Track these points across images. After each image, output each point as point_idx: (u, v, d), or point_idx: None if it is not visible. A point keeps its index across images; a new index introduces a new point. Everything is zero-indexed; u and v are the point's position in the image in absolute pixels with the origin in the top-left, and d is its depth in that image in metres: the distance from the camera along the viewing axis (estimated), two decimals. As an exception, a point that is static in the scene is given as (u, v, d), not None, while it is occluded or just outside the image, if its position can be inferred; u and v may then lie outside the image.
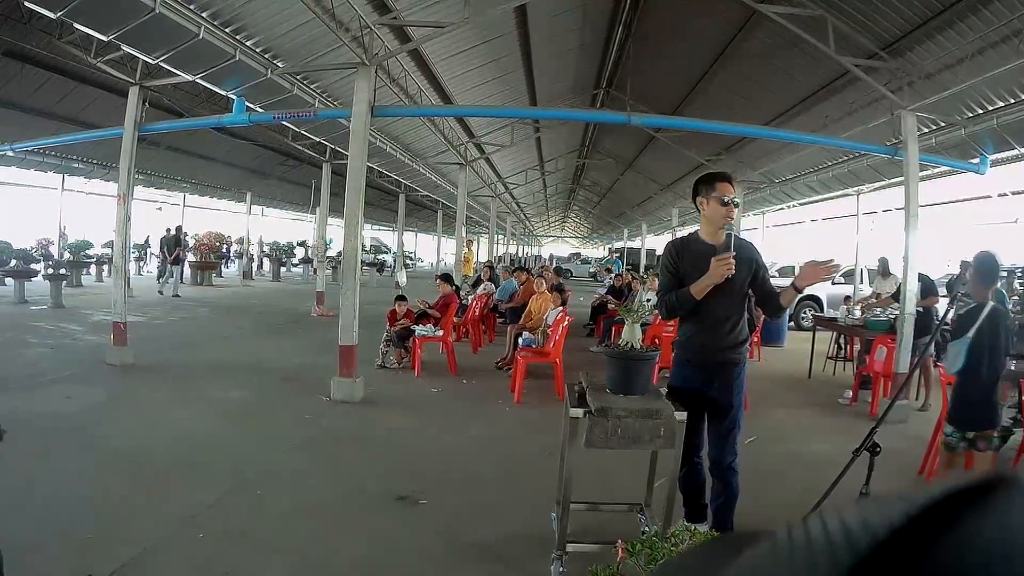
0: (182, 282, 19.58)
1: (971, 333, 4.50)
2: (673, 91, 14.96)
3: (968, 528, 0.24)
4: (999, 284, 10.87)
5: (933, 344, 8.80)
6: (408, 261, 38.09)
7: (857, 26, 8.95)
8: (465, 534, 4.16)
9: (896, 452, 5.90)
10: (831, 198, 17.89)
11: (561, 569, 3.55)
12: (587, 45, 14.09)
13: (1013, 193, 14.31)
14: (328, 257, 19.17)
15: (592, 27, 13.09)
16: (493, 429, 6.72)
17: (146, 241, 25.26)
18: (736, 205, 3.89)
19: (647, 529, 3.89)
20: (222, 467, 5.15)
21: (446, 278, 10.83)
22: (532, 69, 14.23)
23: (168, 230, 19.32)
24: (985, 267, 4.71)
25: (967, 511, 0.25)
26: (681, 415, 3.47)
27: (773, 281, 4.02)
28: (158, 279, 20.08)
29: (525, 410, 7.47)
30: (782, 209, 21.56)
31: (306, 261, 28.65)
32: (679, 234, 24.83)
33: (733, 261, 3.71)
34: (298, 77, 10.42)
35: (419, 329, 9.43)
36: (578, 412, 3.45)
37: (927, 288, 9.05)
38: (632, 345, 3.75)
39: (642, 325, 8.41)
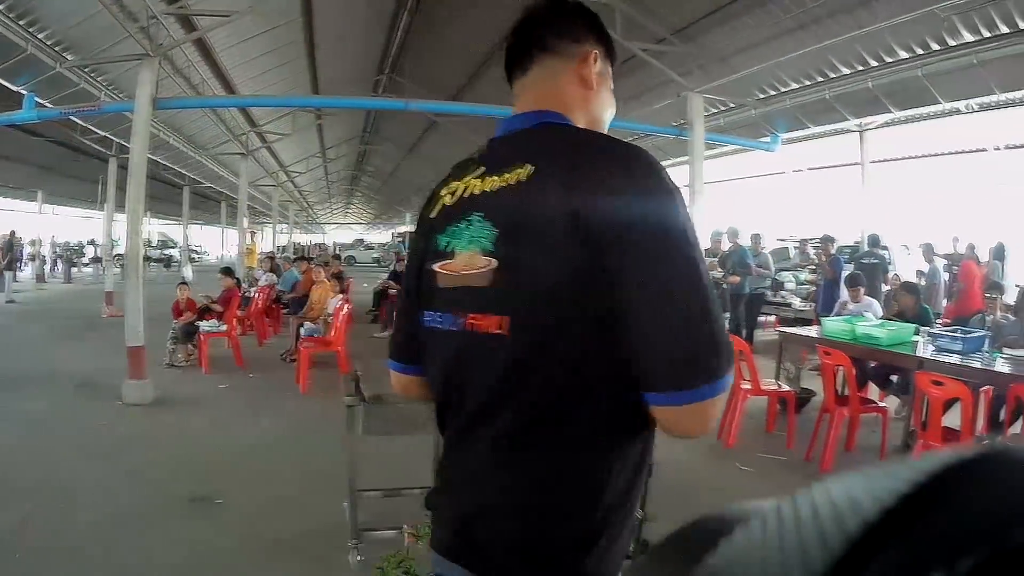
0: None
1: None
2: (454, 76, 14.70)
3: (962, 499, 0.24)
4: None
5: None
6: (194, 255, 36.67)
7: (647, 12, 9.01)
8: (265, 531, 4.16)
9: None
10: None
11: (359, 557, 3.59)
12: (371, 32, 13.68)
13: (810, 169, 15.48)
14: (116, 255, 18.06)
15: (376, 13, 12.70)
16: (282, 422, 6.71)
17: None
18: None
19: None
20: (24, 483, 4.92)
21: (227, 271, 10.63)
22: (315, 57, 13.92)
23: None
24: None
25: (958, 483, 0.24)
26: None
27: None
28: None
29: (312, 401, 7.50)
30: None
31: (97, 260, 26.76)
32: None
33: None
34: (86, 70, 9.83)
35: (204, 325, 9.24)
36: (352, 401, 3.50)
37: (737, 266, 9.84)
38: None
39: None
